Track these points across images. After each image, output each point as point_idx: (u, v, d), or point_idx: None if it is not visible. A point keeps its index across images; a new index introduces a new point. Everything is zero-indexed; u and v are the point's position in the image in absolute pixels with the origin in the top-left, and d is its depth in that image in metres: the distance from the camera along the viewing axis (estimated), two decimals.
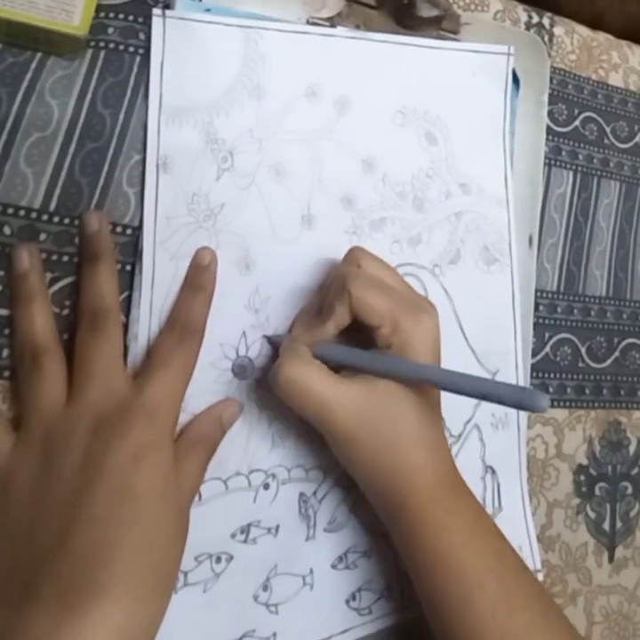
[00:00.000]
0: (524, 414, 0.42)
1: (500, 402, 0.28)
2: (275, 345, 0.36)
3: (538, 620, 0.30)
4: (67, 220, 0.33)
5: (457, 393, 0.29)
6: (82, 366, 0.31)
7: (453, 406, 0.39)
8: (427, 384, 0.32)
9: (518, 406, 0.28)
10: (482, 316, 0.41)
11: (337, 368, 0.32)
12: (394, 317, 0.32)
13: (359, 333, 0.33)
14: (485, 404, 0.40)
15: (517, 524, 0.41)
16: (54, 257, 0.33)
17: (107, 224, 0.33)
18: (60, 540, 0.26)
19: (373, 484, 0.33)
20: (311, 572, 0.35)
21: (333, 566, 0.36)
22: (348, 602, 0.36)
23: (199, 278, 0.34)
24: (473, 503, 0.33)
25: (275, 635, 0.34)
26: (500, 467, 0.41)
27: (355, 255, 0.34)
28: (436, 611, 0.31)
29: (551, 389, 0.45)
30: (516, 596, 0.31)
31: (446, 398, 0.36)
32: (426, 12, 0.40)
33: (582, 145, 0.48)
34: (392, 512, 0.32)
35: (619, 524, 0.47)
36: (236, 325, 0.35)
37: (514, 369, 0.42)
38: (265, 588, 0.34)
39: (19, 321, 0.31)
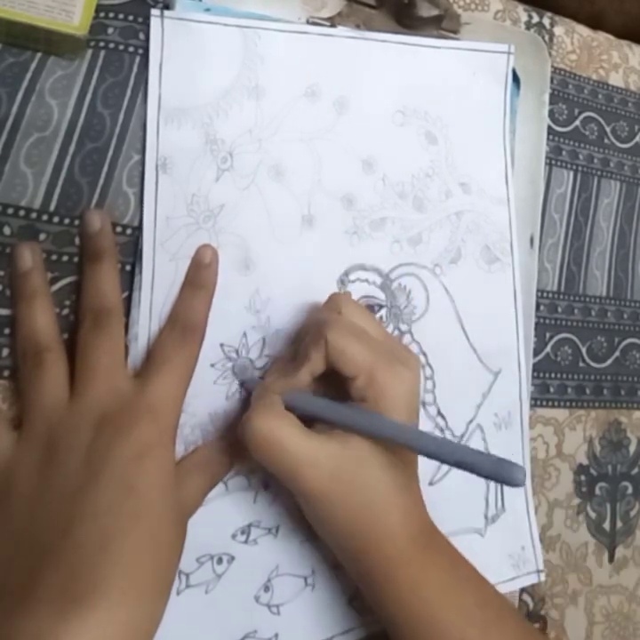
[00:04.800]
0: (526, 414, 0.42)
1: (474, 472, 0.26)
2: (248, 390, 0.35)
3: None
4: (67, 220, 0.33)
5: (431, 458, 0.28)
6: (85, 364, 0.31)
7: (455, 406, 0.39)
8: (401, 446, 0.30)
9: (495, 478, 0.26)
10: (484, 315, 0.41)
11: (309, 420, 0.31)
12: (370, 369, 0.30)
13: (334, 384, 0.31)
14: (487, 405, 0.40)
15: (520, 524, 0.41)
16: (54, 257, 0.33)
17: (108, 223, 0.33)
18: (64, 532, 0.26)
19: (344, 547, 0.31)
20: (313, 572, 0.35)
21: (335, 566, 0.36)
22: (350, 602, 0.36)
23: (200, 276, 0.34)
24: (450, 554, 0.32)
25: (277, 635, 0.34)
26: None
27: (336, 301, 0.33)
28: None
29: (552, 389, 0.45)
30: None
31: (447, 397, 0.37)
32: (426, 11, 0.40)
33: (582, 145, 0.48)
34: (364, 575, 0.31)
35: (619, 524, 0.47)
36: (237, 326, 0.35)
37: (516, 369, 0.42)
38: (266, 588, 0.34)
39: (21, 319, 0.31)
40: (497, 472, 0.26)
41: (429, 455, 0.28)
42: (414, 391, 0.32)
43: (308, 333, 0.32)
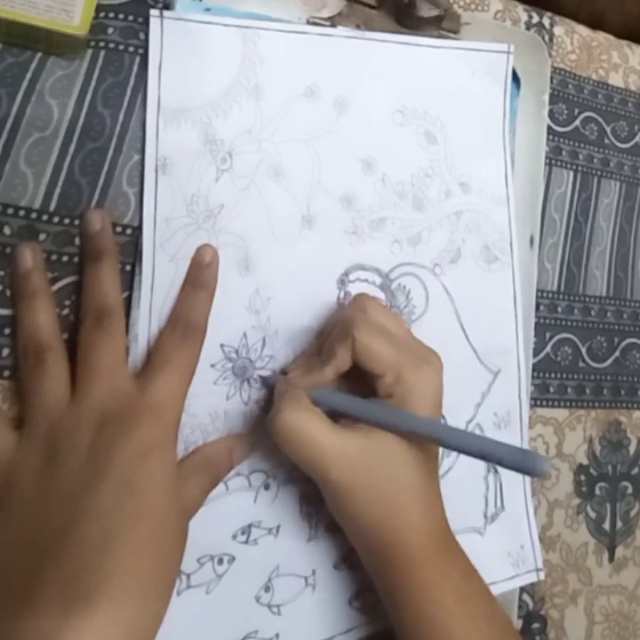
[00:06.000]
0: (526, 413, 0.42)
1: (499, 463, 0.27)
2: (270, 385, 0.35)
3: None
4: (67, 220, 0.33)
5: (458, 451, 0.28)
6: (86, 364, 0.31)
7: (455, 406, 0.39)
8: (428, 440, 0.31)
9: (518, 469, 0.27)
10: (483, 315, 0.41)
11: (334, 415, 0.31)
12: (397, 367, 0.31)
13: (357, 380, 0.32)
14: (487, 404, 0.41)
15: (520, 524, 0.41)
16: (54, 257, 0.33)
17: (109, 223, 0.33)
18: (66, 532, 0.26)
19: (364, 539, 0.32)
20: (313, 572, 0.35)
21: (336, 566, 0.36)
22: (350, 602, 0.36)
23: (200, 276, 0.34)
24: (465, 564, 0.32)
25: (277, 636, 0.34)
26: None
27: (361, 301, 0.34)
28: None
29: (552, 389, 0.45)
30: None
31: (446, 397, 0.36)
32: (426, 11, 0.40)
33: (582, 145, 0.48)
34: (381, 568, 0.32)
35: (619, 524, 0.47)
36: (237, 326, 0.35)
37: (516, 369, 0.42)
38: (267, 588, 0.34)
39: (22, 318, 0.31)
40: (522, 463, 0.26)
41: (455, 447, 0.29)
42: (439, 390, 0.33)
43: (334, 331, 0.33)
